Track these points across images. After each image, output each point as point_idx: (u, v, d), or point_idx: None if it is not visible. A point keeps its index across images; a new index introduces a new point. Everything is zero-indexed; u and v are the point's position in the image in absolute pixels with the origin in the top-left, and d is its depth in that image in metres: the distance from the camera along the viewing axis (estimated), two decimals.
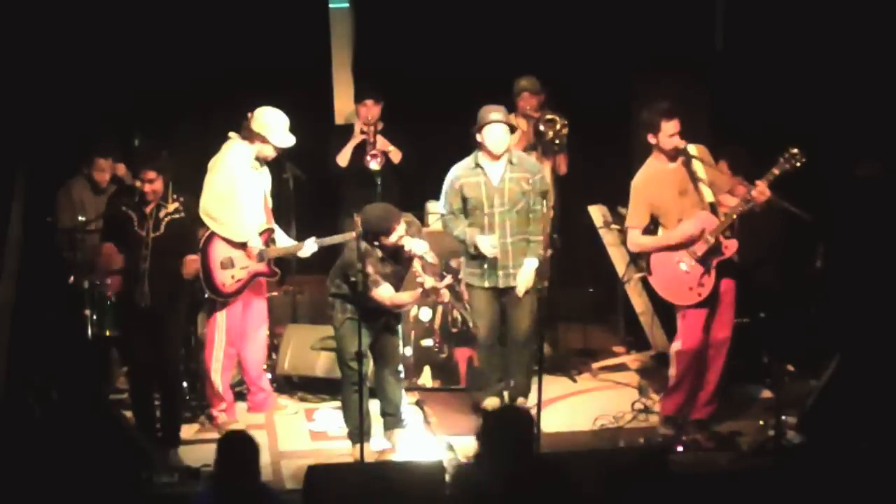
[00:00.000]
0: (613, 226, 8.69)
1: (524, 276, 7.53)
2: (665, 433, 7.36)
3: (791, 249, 8.09)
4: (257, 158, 7.72)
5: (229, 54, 9.11)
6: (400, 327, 7.47)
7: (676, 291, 7.31)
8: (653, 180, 7.28)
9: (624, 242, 8.56)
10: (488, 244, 7.49)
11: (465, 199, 7.57)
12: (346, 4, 9.70)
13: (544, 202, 7.57)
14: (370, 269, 6.94)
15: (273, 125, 7.67)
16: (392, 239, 7.00)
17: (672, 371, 7.40)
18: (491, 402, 7.71)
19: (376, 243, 6.99)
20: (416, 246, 7.08)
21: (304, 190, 8.70)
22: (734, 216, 7.14)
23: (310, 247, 7.77)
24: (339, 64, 9.67)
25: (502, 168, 7.53)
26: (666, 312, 7.75)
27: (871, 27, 8.60)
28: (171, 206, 7.11)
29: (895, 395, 6.99)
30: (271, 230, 7.84)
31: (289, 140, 7.72)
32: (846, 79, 8.70)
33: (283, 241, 7.89)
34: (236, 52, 9.13)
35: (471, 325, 7.77)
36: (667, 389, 7.50)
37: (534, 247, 7.56)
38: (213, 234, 7.58)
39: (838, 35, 8.70)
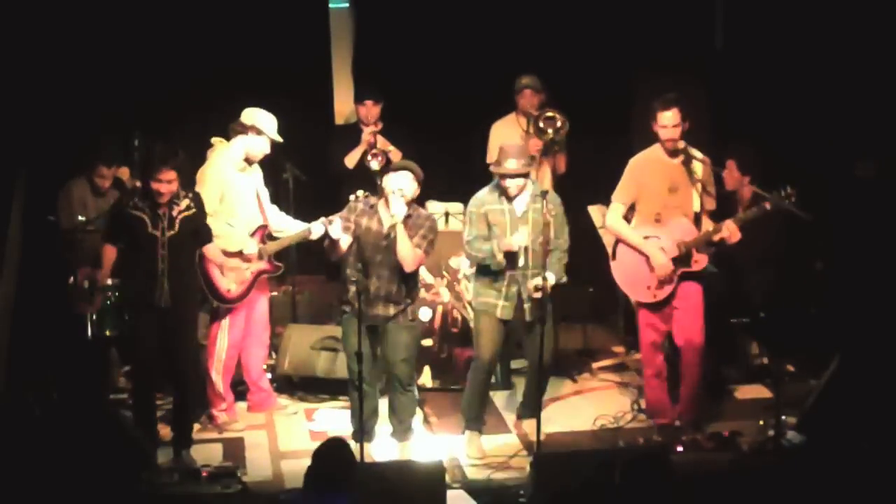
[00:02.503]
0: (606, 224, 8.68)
1: (537, 284, 7.13)
2: (654, 440, 7.38)
3: (791, 249, 8.09)
4: (246, 159, 7.71)
5: (229, 55, 9.11)
6: (409, 335, 7.23)
7: (633, 285, 7.42)
8: (648, 164, 7.35)
9: None
10: (519, 237, 7.13)
11: (490, 226, 7.25)
12: (346, 4, 9.70)
13: (565, 237, 7.30)
14: (339, 215, 7.11)
15: (265, 120, 7.69)
16: (386, 182, 7.03)
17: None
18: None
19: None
20: (393, 203, 6.98)
21: (304, 190, 8.69)
22: (710, 238, 7.27)
23: (317, 229, 7.65)
24: (339, 64, 9.68)
25: (527, 198, 7.25)
26: None
27: (870, 27, 8.60)
28: (183, 204, 7.08)
29: (895, 395, 7.00)
30: (264, 227, 7.83)
31: (278, 137, 7.73)
32: (846, 78, 8.70)
33: (292, 227, 7.89)
34: (236, 53, 9.13)
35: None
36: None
37: (553, 266, 7.18)
38: None
39: (838, 34, 8.71)
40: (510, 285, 7.22)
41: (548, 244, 7.06)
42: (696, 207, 7.34)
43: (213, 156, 7.73)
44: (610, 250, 8.73)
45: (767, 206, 7.27)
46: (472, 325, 8.18)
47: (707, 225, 7.35)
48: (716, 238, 7.29)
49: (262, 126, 7.65)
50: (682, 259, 7.29)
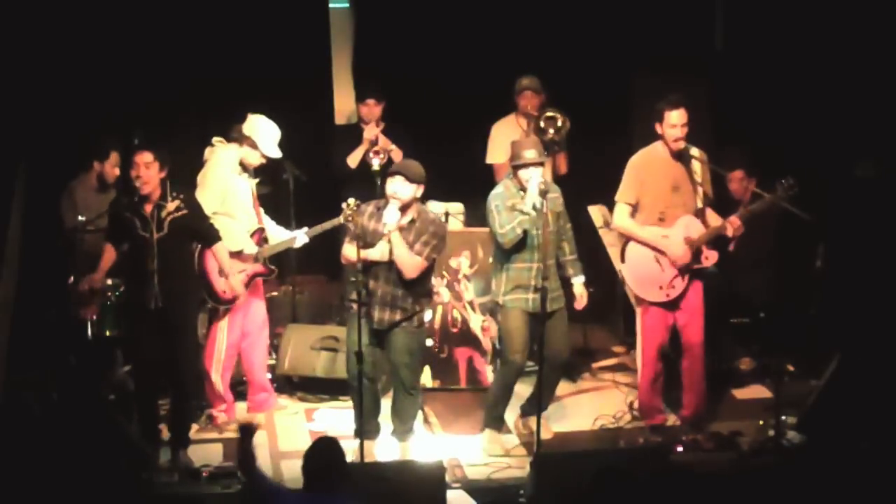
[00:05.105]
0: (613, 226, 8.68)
1: (580, 293, 7.42)
2: (654, 440, 7.38)
3: (791, 249, 8.09)
4: (241, 163, 7.72)
5: (230, 55, 9.11)
6: (414, 340, 7.18)
7: (645, 286, 7.39)
8: (649, 162, 7.34)
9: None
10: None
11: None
12: (346, 5, 9.71)
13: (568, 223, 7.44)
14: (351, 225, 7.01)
15: (265, 133, 7.70)
16: (389, 184, 6.97)
17: (638, 372, 7.54)
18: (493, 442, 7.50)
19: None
20: (386, 213, 6.92)
21: (304, 190, 8.70)
22: (717, 234, 7.24)
23: (301, 238, 7.86)
24: (340, 64, 9.68)
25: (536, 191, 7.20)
26: None
27: (870, 27, 8.60)
28: (172, 205, 7.08)
29: (895, 395, 7.00)
30: (262, 229, 7.85)
31: (276, 152, 7.74)
32: (846, 78, 8.70)
33: (279, 235, 7.92)
34: (237, 53, 9.13)
35: (497, 346, 7.82)
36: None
37: (575, 265, 7.43)
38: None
39: (838, 34, 8.71)
40: (537, 276, 7.15)
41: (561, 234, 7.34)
42: (700, 204, 7.33)
43: (212, 158, 7.73)
44: (611, 251, 8.76)
45: (768, 197, 7.26)
46: (472, 325, 8.25)
47: (711, 220, 7.33)
48: (729, 234, 7.28)
49: (257, 140, 7.67)
50: (692, 256, 7.28)
